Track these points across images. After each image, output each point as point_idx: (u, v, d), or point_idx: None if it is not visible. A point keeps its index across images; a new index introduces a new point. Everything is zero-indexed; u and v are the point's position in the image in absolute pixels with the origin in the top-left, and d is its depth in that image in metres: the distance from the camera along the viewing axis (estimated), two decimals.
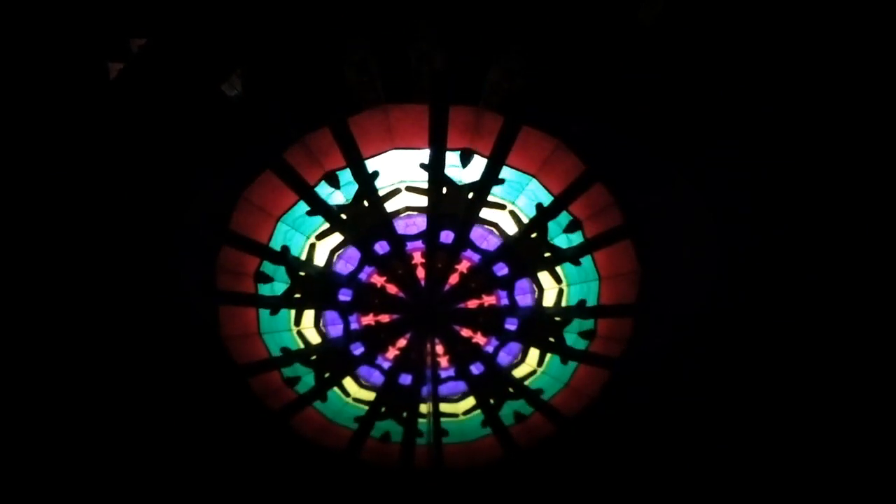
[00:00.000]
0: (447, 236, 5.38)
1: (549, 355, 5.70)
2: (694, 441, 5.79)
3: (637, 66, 4.80)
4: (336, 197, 5.26)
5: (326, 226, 5.36)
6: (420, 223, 5.41)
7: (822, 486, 5.54)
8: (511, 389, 5.69)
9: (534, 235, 5.31)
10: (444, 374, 5.74)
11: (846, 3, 4.57)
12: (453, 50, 4.70)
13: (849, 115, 4.80)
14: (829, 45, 4.64)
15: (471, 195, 5.18)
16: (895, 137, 4.81)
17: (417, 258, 5.53)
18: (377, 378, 5.85)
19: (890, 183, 4.92)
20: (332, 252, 5.49)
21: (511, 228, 5.45)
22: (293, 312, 5.60)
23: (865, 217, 5.04)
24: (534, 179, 5.20)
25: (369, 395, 5.87)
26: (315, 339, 5.75)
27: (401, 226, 5.41)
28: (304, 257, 5.43)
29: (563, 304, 5.55)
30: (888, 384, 5.33)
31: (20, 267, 5.12)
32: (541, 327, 5.57)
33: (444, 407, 5.68)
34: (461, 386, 5.83)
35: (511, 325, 5.63)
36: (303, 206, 5.19)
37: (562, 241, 5.36)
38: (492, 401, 5.70)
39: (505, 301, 5.59)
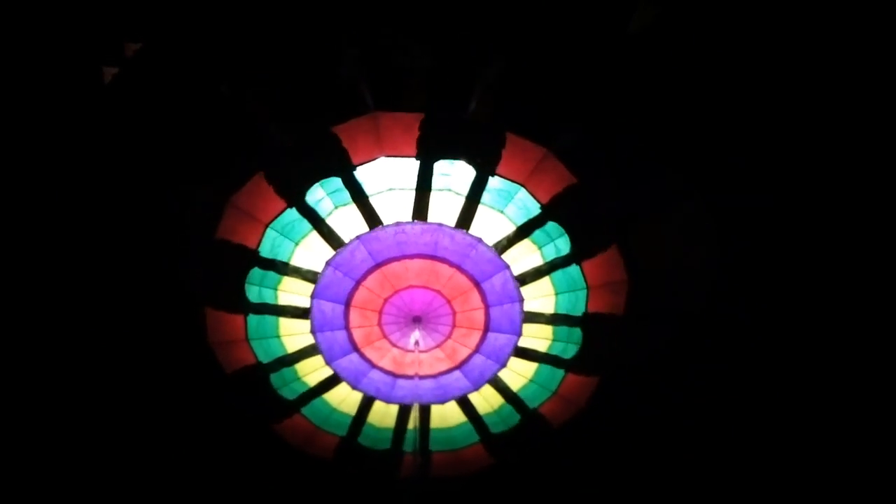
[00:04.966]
0: (438, 245, 5.39)
1: (536, 363, 5.69)
2: (689, 445, 5.76)
3: (636, 70, 4.80)
4: (325, 204, 5.26)
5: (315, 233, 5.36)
6: (409, 231, 5.40)
7: (820, 487, 5.50)
8: (499, 398, 5.69)
9: (521, 245, 5.32)
10: (432, 381, 5.73)
11: (845, 5, 4.58)
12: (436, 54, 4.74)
13: (848, 117, 4.81)
14: (829, 48, 4.65)
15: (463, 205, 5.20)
16: (894, 139, 4.81)
17: (407, 265, 5.53)
18: (366, 384, 5.84)
19: (889, 185, 4.91)
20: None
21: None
22: (281, 319, 5.59)
23: (864, 218, 5.03)
24: (522, 188, 5.20)
25: (358, 401, 5.86)
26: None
27: (390, 233, 5.41)
28: (292, 263, 5.43)
29: (551, 312, 5.55)
30: (888, 386, 5.31)
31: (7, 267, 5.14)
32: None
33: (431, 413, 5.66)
34: (449, 393, 5.82)
35: (499, 333, 5.62)
36: (291, 213, 5.19)
37: (550, 250, 5.37)
38: (479, 409, 5.71)
39: (493, 308, 5.58)
